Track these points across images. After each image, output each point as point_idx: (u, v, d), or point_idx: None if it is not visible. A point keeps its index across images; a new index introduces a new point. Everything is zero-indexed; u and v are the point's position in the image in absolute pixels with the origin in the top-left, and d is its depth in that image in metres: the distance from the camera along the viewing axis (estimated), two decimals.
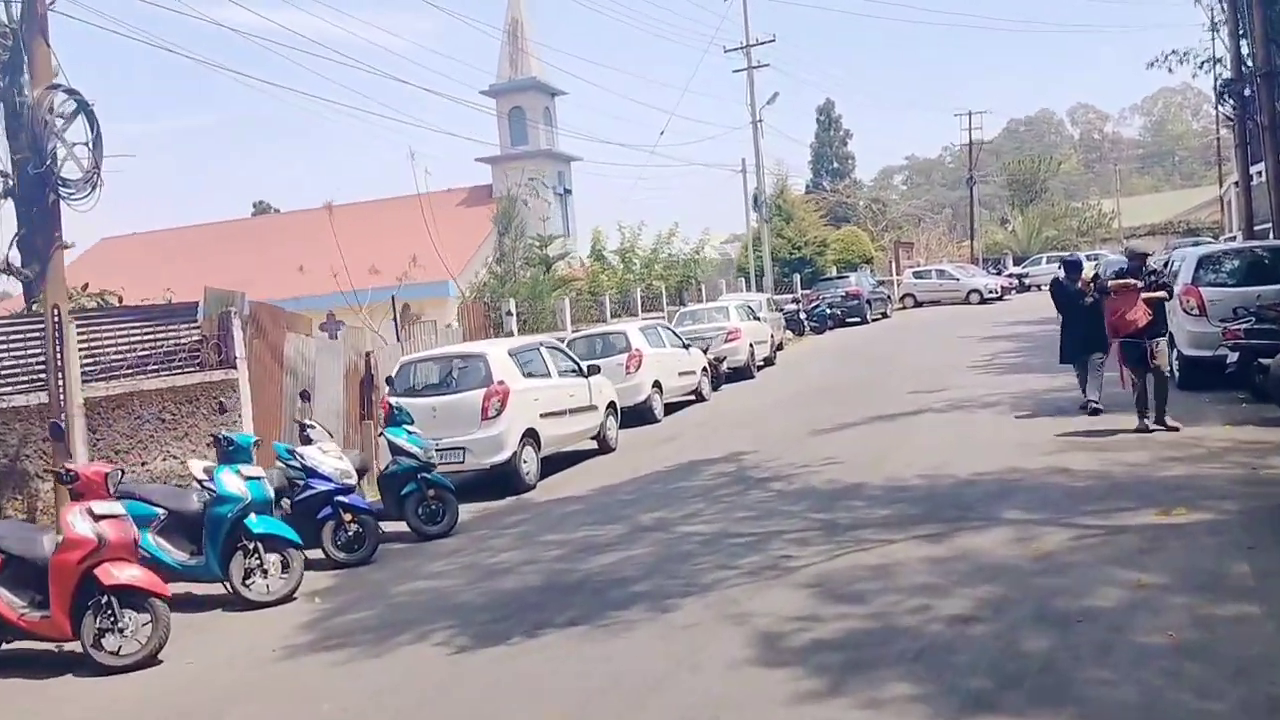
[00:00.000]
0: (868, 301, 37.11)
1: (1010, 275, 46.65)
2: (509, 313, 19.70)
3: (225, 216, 45.05)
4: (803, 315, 33.88)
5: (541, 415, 12.97)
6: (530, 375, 13.13)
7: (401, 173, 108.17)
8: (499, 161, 43.21)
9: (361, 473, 10.77)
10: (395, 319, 17.80)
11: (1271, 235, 18.13)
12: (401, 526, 10.64)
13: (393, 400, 11.02)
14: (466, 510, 11.69)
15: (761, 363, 25.02)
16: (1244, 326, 12.03)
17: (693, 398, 20.02)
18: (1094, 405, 12.32)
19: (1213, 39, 34.50)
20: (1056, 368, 18.29)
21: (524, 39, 42.78)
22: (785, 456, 12.20)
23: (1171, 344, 13.59)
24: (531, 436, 12.71)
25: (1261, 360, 11.90)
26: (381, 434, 11.20)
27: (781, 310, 32.16)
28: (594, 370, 14.80)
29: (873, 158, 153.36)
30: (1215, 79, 37.90)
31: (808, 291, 38.00)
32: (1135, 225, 59.45)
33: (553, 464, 13.73)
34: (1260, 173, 20.71)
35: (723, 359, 22.18)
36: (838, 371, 22.16)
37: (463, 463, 12.30)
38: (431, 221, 21.02)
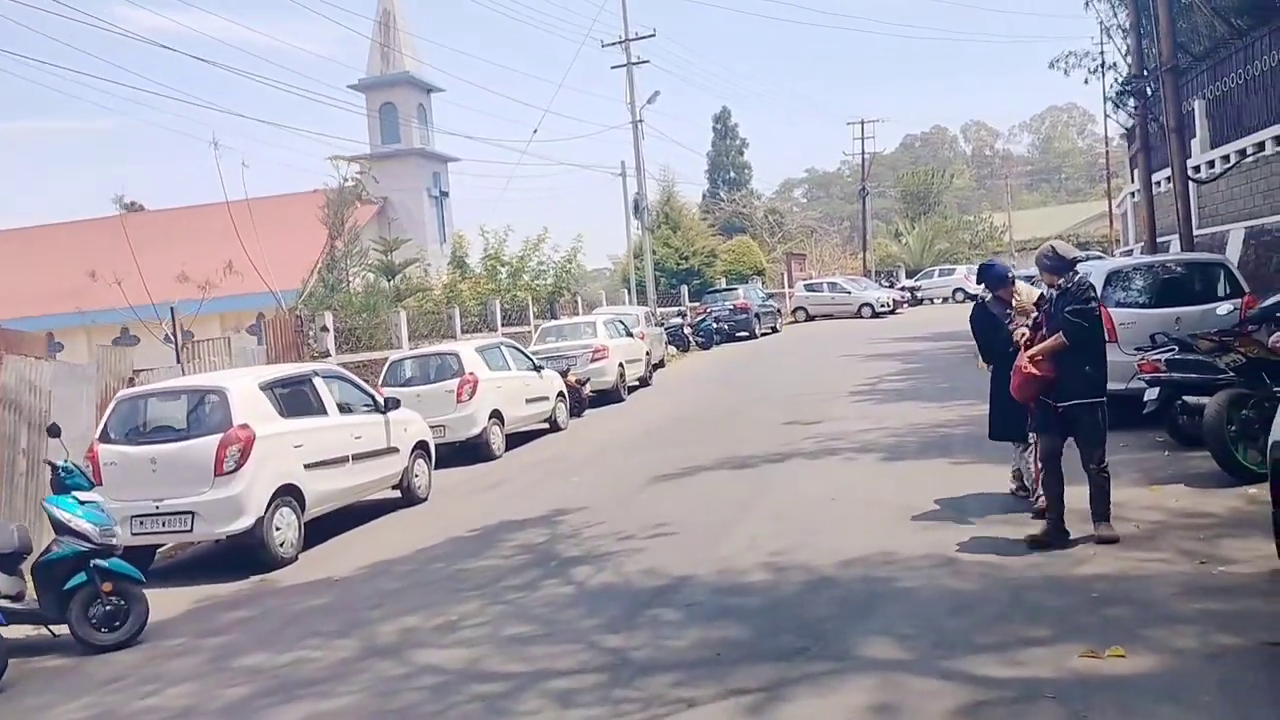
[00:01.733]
0: (757, 315, 34.85)
1: (903, 288, 45.12)
2: (324, 328, 16.65)
3: (85, 216, 40.46)
4: (688, 330, 31.42)
5: (307, 465, 10.02)
6: (293, 414, 10.17)
7: (259, 172, 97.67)
8: (370, 161, 39.78)
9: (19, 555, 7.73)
10: (175, 335, 14.64)
11: (1177, 247, 16.15)
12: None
13: (59, 462, 7.91)
14: (183, 599, 8.71)
15: (636, 383, 22.40)
16: (1164, 357, 9.78)
17: (546, 426, 17.27)
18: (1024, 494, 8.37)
19: (1102, 47, 33.37)
20: (943, 394, 16.19)
21: (396, 30, 39.50)
22: (612, 520, 9.50)
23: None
24: (290, 494, 9.76)
25: (1186, 399, 9.70)
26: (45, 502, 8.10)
27: (664, 325, 29.63)
28: (392, 404, 11.89)
29: (773, 168, 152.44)
30: (1104, 87, 36.81)
31: (695, 305, 35.60)
32: (1026, 239, 58.71)
33: (338, 520, 10.84)
34: (1163, 181, 18.89)
35: (585, 381, 19.45)
36: (712, 396, 19.62)
37: (190, 530, 9.30)
38: (249, 224, 17.81)
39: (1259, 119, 17.35)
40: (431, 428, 14.56)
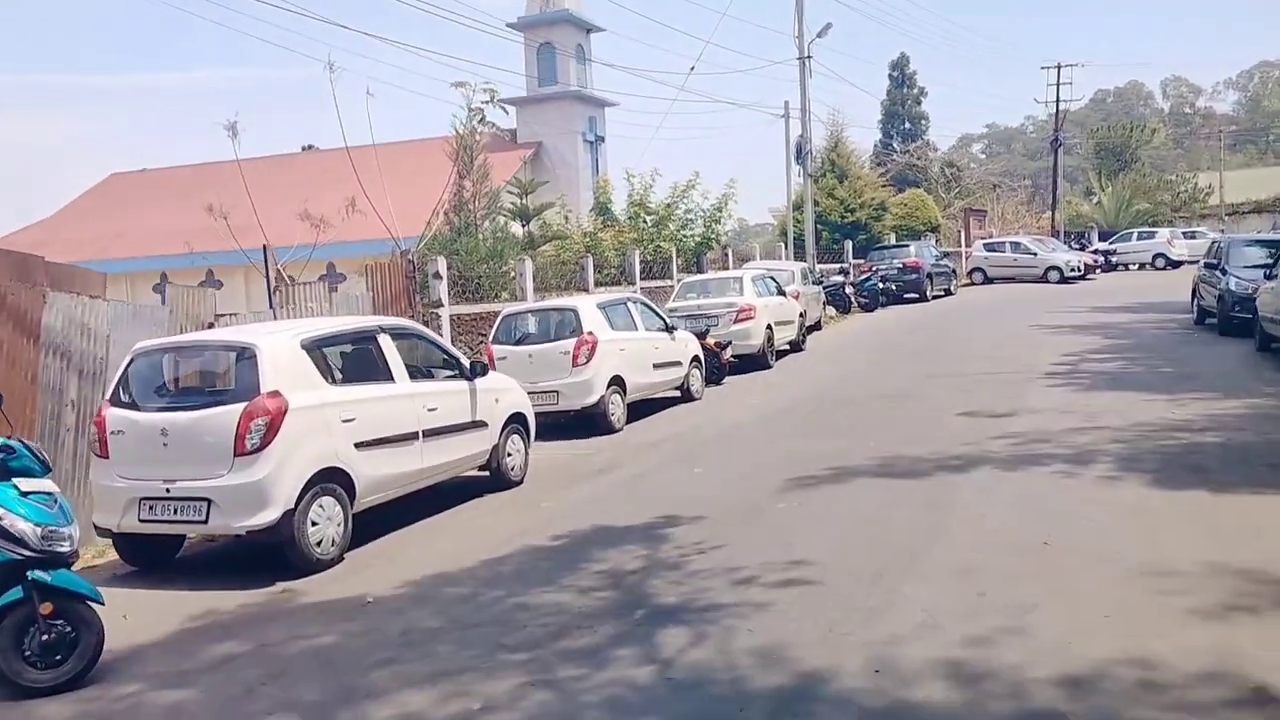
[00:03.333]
0: (929, 276, 31.15)
1: (1096, 252, 40.11)
2: (436, 274, 14.67)
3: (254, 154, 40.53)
4: (850, 289, 28.25)
5: (359, 445, 7.89)
6: (347, 380, 8.07)
7: (434, 110, 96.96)
8: (526, 104, 38.01)
9: None
10: (268, 276, 12.93)
11: None
12: None
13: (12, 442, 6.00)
14: (180, 611, 6.76)
15: (786, 347, 19.68)
16: None
17: (678, 394, 14.87)
18: None
19: None
20: (1170, 382, 12.82)
21: None
22: (731, 544, 7.02)
23: None
24: (333, 480, 7.66)
25: None
26: None
27: (823, 283, 26.60)
28: (479, 370, 9.68)
29: (951, 125, 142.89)
30: None
31: (859, 261, 32.25)
32: (1238, 201, 51.97)
33: (407, 506, 8.79)
34: None
35: (726, 344, 16.88)
36: (873, 369, 16.73)
37: (204, 521, 7.34)
38: (374, 166, 15.94)
39: None
40: (544, 393, 12.57)
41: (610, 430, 12.82)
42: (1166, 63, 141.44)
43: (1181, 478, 7.70)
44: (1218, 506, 6.91)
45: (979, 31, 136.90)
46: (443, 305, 14.76)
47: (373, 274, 14.41)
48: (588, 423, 12.85)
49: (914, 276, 30.60)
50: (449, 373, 9.50)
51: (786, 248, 29.52)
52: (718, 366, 16.53)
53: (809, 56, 27.04)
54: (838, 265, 31.39)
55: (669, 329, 14.75)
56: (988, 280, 36.56)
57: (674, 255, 22.34)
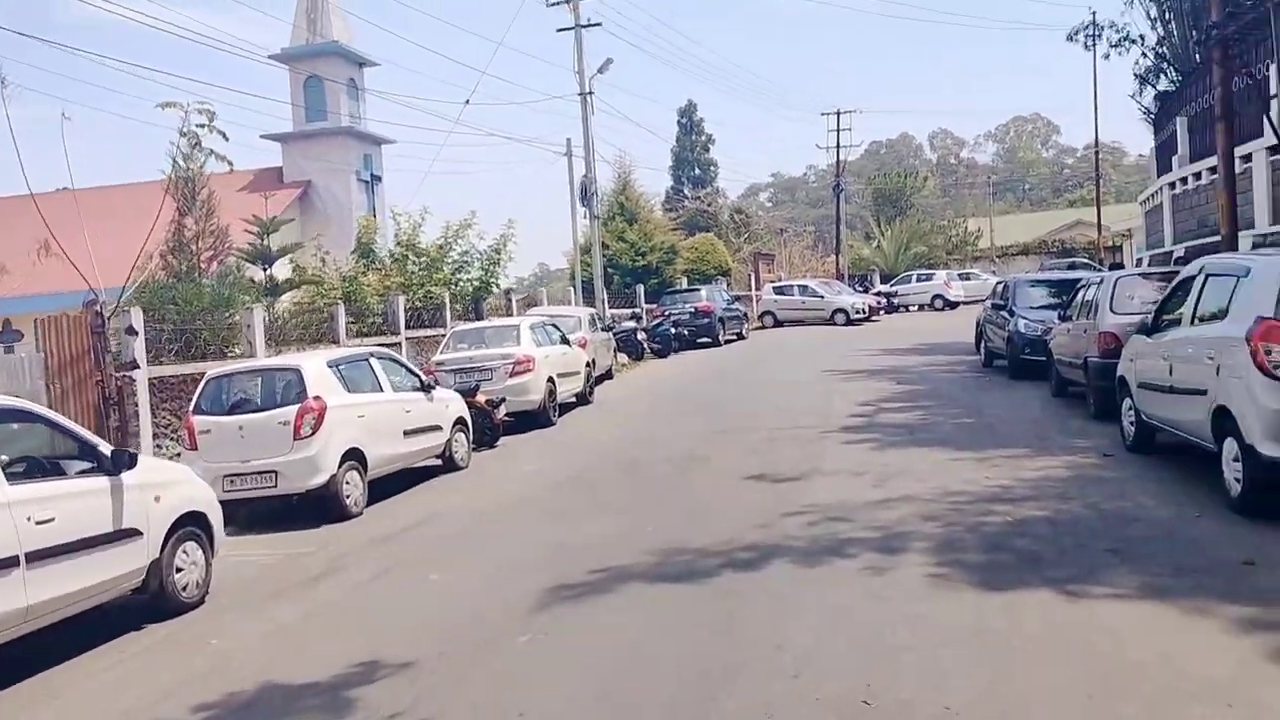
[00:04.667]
0: (721, 320, 30.26)
1: (879, 294, 40.75)
2: (130, 330, 11.85)
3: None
4: (642, 335, 26.78)
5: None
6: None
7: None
8: (293, 140, 34.90)
9: None
10: None
11: (1245, 246, 11.70)
12: None
13: None
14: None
15: (573, 399, 17.79)
16: None
17: (440, 463, 12.64)
18: None
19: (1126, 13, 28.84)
20: (973, 436, 11.71)
21: None
22: (437, 714, 4.90)
23: (1234, 431, 6.95)
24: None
25: None
26: None
27: (613, 329, 24.98)
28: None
29: (738, 170, 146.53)
30: (1093, 56, 31.98)
31: (652, 306, 30.98)
32: (1006, 244, 54.79)
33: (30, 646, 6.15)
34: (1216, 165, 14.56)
35: (500, 402, 14.76)
36: (661, 424, 15.02)
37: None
38: (73, 209, 12.86)
39: None
40: (259, 474, 10.29)
41: (345, 516, 10.41)
42: (936, 108, 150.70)
43: (1016, 574, 6.17)
44: (1074, 621, 5.36)
45: (766, 78, 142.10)
46: (139, 367, 11.94)
47: (46, 331, 11.47)
48: (317, 508, 10.41)
49: (706, 321, 29.57)
50: (82, 465, 6.94)
51: (576, 292, 27.76)
52: (490, 428, 14.39)
53: (590, 92, 25.56)
54: (630, 310, 29.99)
55: (425, 387, 12.50)
56: (778, 323, 36.21)
57: (447, 301, 20.04)
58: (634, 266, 32.66)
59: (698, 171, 61.20)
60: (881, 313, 37.86)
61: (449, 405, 12.86)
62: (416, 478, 12.14)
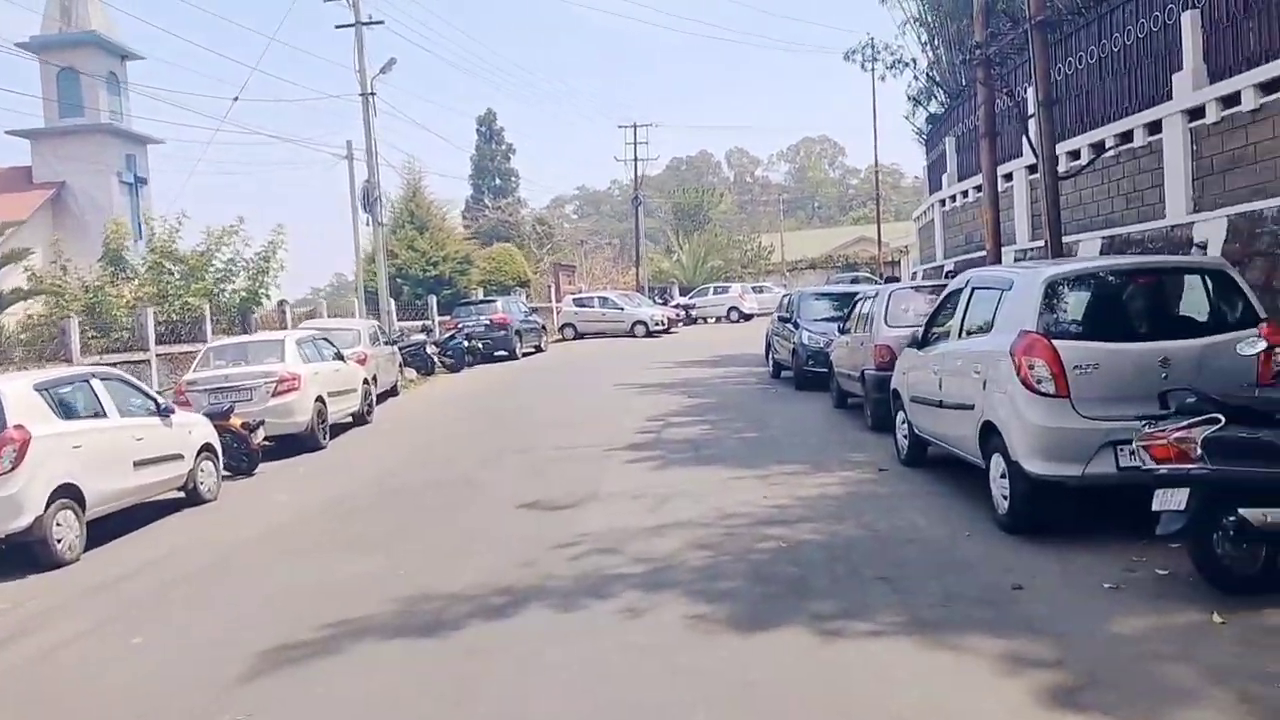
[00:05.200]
0: (518, 332, 29.37)
1: (678, 306, 41.07)
2: None
3: None
4: (432, 349, 25.57)
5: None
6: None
7: None
8: (43, 137, 31.54)
9: None
10: None
11: (1046, 252, 11.99)
12: None
13: None
14: None
15: (349, 419, 16.50)
16: (1202, 432, 5.30)
17: (182, 495, 11.16)
18: None
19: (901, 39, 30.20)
20: (754, 451, 11.43)
21: None
22: None
23: (1001, 448, 6.82)
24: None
25: (1246, 513, 5.20)
26: None
27: (399, 342, 23.69)
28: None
29: (542, 182, 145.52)
30: (867, 74, 33.44)
31: (445, 318, 29.77)
32: (796, 259, 56.70)
33: None
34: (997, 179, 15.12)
35: (258, 425, 13.36)
36: (440, 446, 14.07)
37: None
38: None
39: (1117, 107, 13.83)
40: None
41: (56, 564, 8.90)
42: (734, 124, 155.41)
43: (784, 609, 5.70)
44: (840, 663, 4.90)
45: (570, 88, 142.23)
46: None
47: None
48: (22, 555, 8.87)
49: (502, 333, 28.62)
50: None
51: (360, 303, 26.24)
52: (247, 454, 12.99)
53: (372, 93, 24.20)
54: (420, 323, 28.69)
55: (163, 411, 11.02)
56: (579, 335, 35.74)
57: (208, 314, 18.27)
58: (425, 277, 31.34)
59: (499, 181, 60.16)
60: (680, 325, 38.09)
61: (192, 430, 11.41)
62: (154, 513, 10.67)
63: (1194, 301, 6.80)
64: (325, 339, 16.75)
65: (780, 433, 12.28)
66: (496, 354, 28.08)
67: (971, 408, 7.36)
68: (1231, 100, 11.13)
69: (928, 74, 25.43)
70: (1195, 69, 11.89)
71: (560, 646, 5.43)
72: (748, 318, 40.89)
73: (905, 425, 9.52)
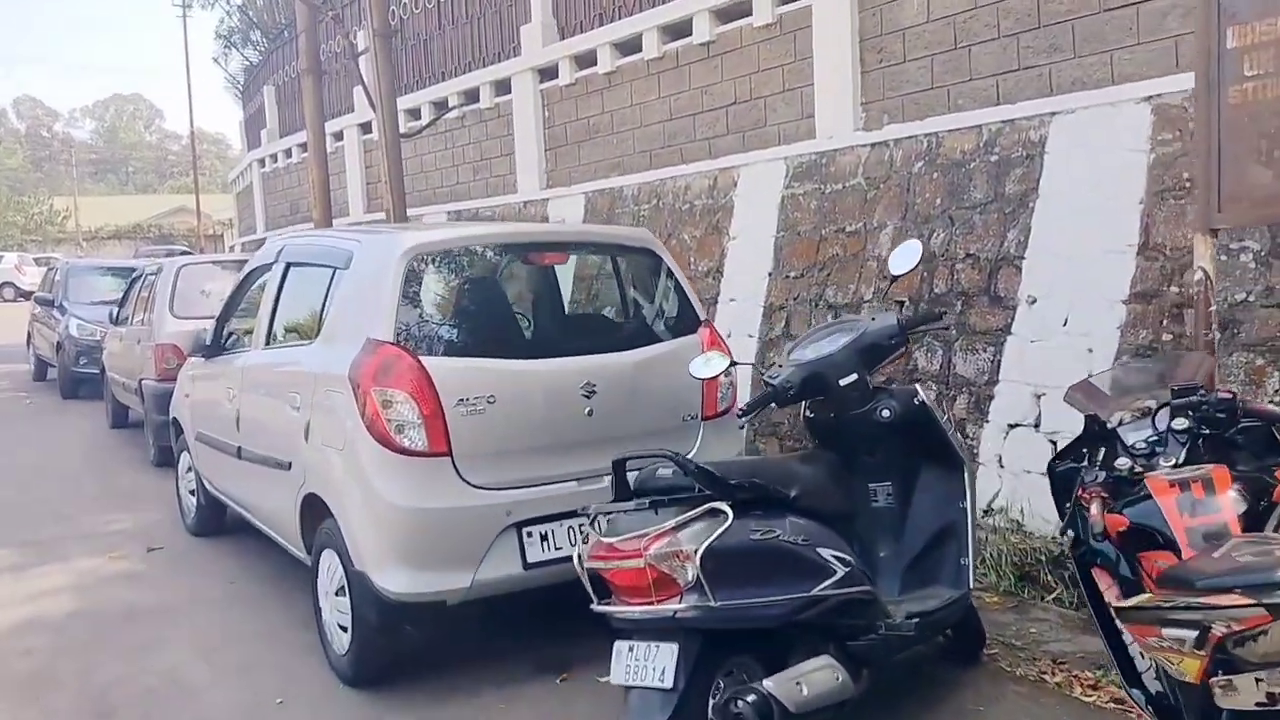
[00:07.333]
0: None
1: None
2: None
3: None
4: None
5: None
6: None
7: None
8: None
9: None
10: None
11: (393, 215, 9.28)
12: None
13: None
14: None
15: None
16: (709, 538, 2.88)
17: None
18: None
19: None
20: (17, 516, 6.92)
21: None
22: None
23: (336, 543, 3.80)
24: None
25: (773, 689, 2.87)
26: None
27: None
28: None
29: None
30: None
31: None
32: (99, 226, 47.70)
33: None
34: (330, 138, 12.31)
35: None
36: None
37: None
38: None
39: (461, 61, 11.81)
40: None
41: None
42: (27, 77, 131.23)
43: None
44: None
45: None
46: None
47: None
48: None
49: None
50: None
51: None
52: None
53: None
54: None
55: None
56: None
57: None
58: None
59: None
60: None
61: None
62: None
63: (614, 295, 4.58)
64: None
65: (26, 472, 7.97)
66: None
67: (288, 467, 4.30)
68: (587, 60, 9.62)
69: (241, 9, 21.49)
70: (545, 23, 10.24)
71: None
72: (28, 295, 32.64)
73: (193, 474, 6.11)
